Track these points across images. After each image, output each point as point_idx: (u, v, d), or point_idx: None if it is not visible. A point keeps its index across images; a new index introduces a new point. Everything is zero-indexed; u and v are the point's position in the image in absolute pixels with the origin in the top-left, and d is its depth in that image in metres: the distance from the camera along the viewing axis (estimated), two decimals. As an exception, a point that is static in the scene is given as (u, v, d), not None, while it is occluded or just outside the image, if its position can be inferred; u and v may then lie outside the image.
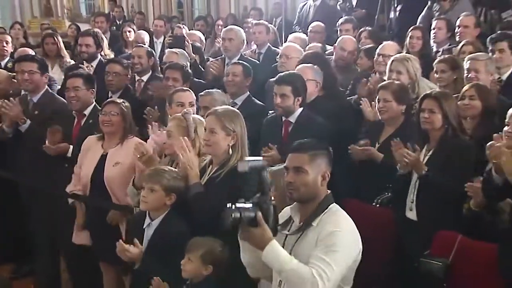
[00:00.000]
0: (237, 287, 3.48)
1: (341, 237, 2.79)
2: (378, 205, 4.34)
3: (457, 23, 6.21)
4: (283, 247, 2.92)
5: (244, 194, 2.75)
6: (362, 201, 4.35)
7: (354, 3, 8.58)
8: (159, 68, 6.38)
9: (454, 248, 3.73)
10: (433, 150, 4.07)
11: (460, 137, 4.06)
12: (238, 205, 2.70)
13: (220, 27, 9.13)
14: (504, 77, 5.25)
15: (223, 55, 6.58)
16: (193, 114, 4.28)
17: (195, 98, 4.83)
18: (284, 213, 3.06)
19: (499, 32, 5.84)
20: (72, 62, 6.93)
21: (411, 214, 4.09)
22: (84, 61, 6.54)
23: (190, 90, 4.86)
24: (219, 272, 3.43)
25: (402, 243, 4.14)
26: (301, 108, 4.68)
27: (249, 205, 2.71)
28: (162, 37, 8.70)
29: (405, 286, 3.73)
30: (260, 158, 2.93)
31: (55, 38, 7.12)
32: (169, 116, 4.50)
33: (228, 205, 2.68)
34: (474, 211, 3.83)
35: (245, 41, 6.57)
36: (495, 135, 3.38)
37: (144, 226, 3.74)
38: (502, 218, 3.68)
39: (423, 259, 3.77)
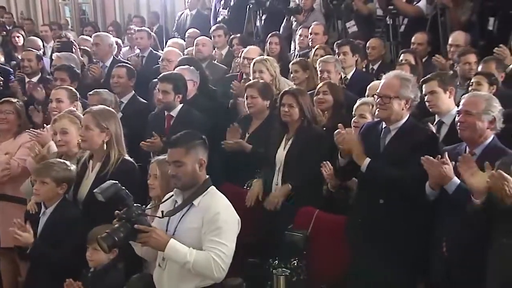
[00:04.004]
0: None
1: (223, 217, 2.84)
2: (248, 188, 4.36)
3: (309, 30, 6.38)
4: (167, 225, 2.92)
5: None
6: (236, 184, 4.34)
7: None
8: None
9: (312, 221, 3.82)
10: (292, 139, 4.13)
11: (314, 127, 4.15)
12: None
13: (111, 32, 8.80)
14: (349, 75, 5.46)
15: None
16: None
17: (76, 96, 4.57)
18: (168, 197, 3.02)
19: (343, 39, 6.10)
20: None
21: (277, 195, 4.12)
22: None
23: (68, 88, 4.60)
24: (124, 253, 3.26)
25: (271, 219, 4.16)
26: (182, 104, 4.65)
27: (117, 224, 2.71)
28: (52, 41, 8.26)
29: (274, 255, 3.76)
30: (110, 181, 2.83)
31: None
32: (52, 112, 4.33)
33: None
34: (331, 191, 3.94)
35: (112, 45, 6.34)
36: (339, 124, 3.48)
37: (40, 215, 3.58)
38: (350, 194, 3.82)
39: (287, 232, 3.83)
